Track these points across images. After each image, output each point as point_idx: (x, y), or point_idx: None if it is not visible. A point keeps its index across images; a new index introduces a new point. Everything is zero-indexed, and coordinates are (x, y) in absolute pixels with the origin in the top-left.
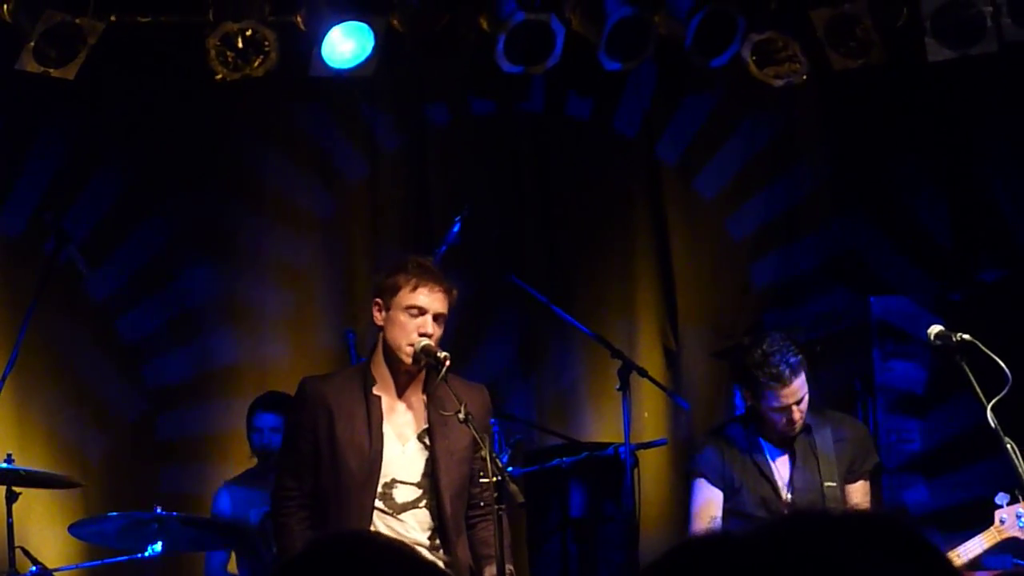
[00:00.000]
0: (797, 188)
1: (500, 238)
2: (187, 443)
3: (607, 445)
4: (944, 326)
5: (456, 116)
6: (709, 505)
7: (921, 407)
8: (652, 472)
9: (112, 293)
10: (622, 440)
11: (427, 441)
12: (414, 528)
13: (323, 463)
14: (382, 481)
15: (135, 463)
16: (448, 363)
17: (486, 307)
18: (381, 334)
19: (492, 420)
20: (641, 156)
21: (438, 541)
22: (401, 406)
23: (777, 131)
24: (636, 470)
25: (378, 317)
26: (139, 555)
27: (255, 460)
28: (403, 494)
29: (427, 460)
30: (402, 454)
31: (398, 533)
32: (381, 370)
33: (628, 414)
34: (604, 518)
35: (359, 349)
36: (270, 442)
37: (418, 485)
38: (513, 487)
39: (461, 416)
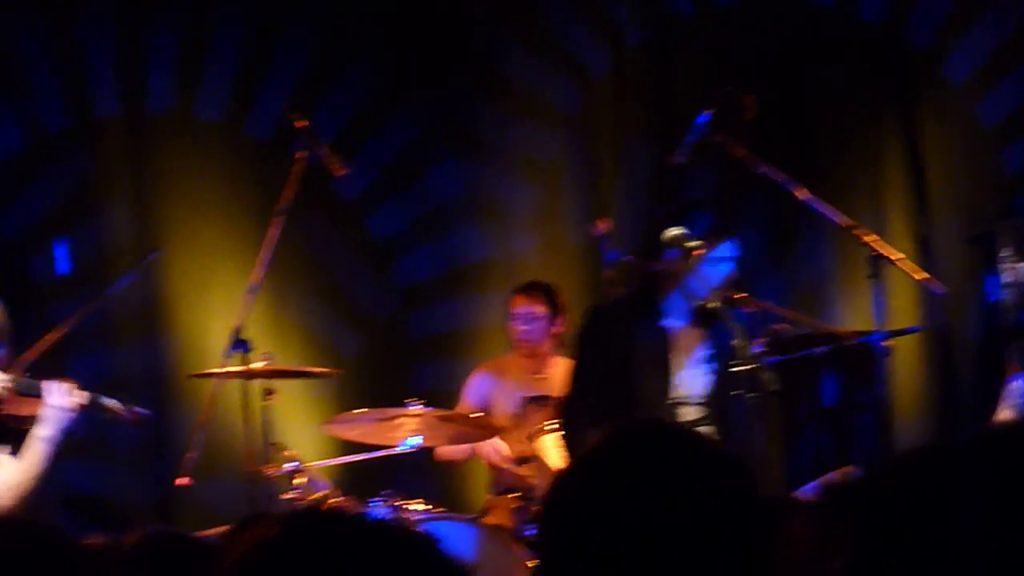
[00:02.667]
0: None
1: (747, 127)
2: (438, 339)
3: (859, 333)
4: None
5: (700, 6)
6: None
7: None
8: (905, 360)
9: (362, 192)
10: (874, 328)
11: (712, 365)
12: None
13: (616, 384)
14: (671, 401)
15: (388, 360)
16: (698, 253)
17: (730, 197)
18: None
19: (741, 311)
20: (888, 42)
21: None
22: (686, 332)
23: None
24: (889, 358)
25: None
26: (393, 450)
27: (515, 348)
28: (688, 413)
29: (709, 381)
30: (688, 376)
31: None
32: (669, 300)
33: (880, 302)
34: (857, 407)
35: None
36: (528, 329)
37: (702, 405)
38: (766, 375)
39: (710, 305)
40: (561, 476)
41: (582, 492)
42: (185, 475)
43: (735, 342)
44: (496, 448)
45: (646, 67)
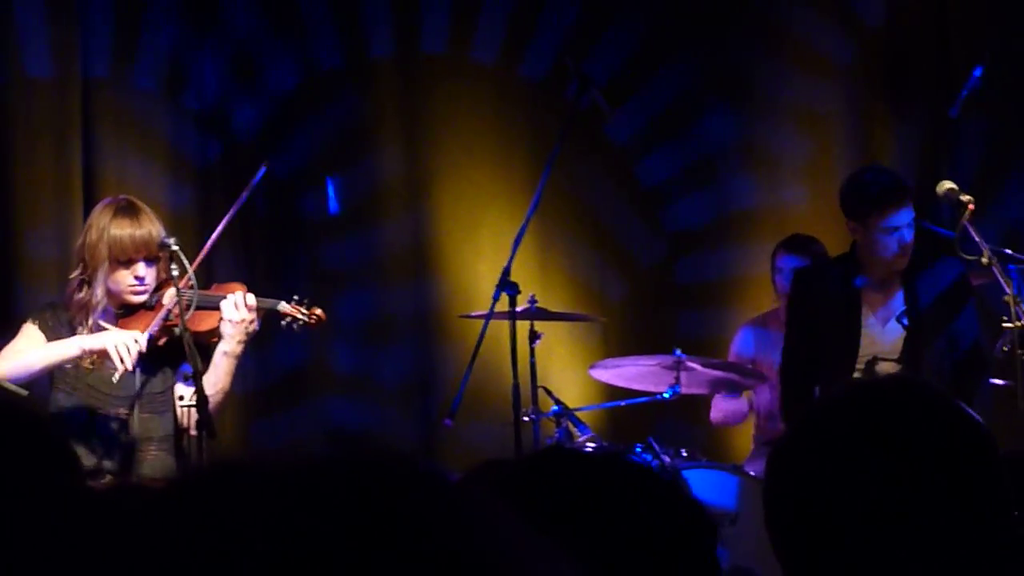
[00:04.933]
0: None
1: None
2: (706, 287)
3: None
4: None
5: None
6: None
7: None
8: None
9: (632, 137)
10: None
11: (905, 321)
12: None
13: (813, 344)
14: (864, 358)
15: (654, 306)
16: (972, 207)
17: (1004, 151)
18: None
19: (1012, 267)
20: None
21: None
22: (882, 291)
23: None
24: None
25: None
26: (658, 396)
27: (779, 302)
28: (884, 369)
29: (905, 339)
30: (882, 334)
31: None
32: (865, 260)
33: None
34: None
35: None
36: None
37: (898, 361)
38: None
39: (983, 261)
40: (788, 433)
41: (810, 448)
42: (450, 415)
43: (1006, 297)
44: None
45: (921, 19)
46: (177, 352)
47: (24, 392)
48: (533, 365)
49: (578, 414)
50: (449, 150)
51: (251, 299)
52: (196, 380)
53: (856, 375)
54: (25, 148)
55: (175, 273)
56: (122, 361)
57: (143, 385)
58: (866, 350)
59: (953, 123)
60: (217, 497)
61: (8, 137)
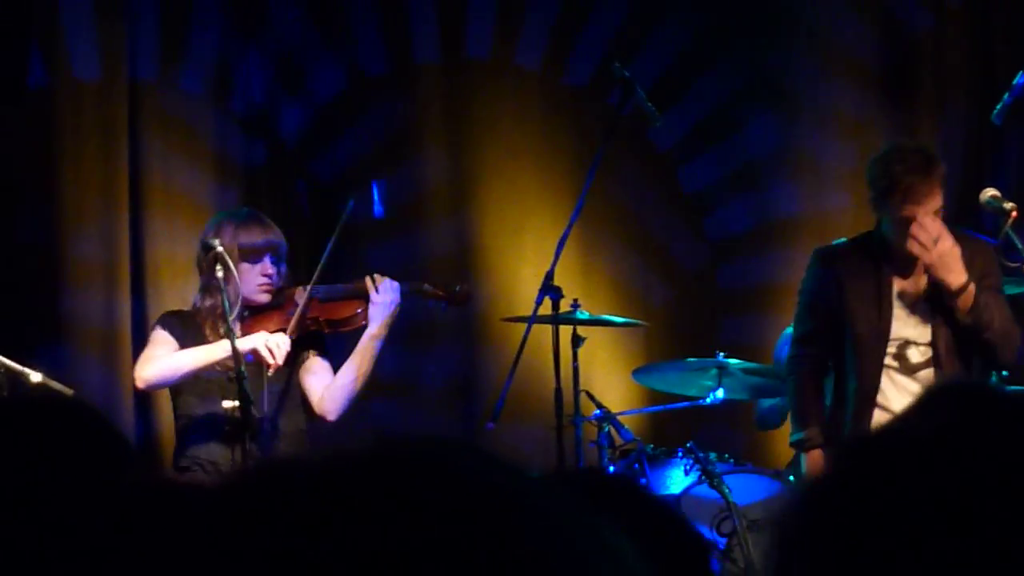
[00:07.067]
0: None
1: None
2: (748, 293)
3: None
4: None
5: None
6: None
7: None
8: None
9: (676, 143)
10: None
11: (932, 303)
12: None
13: (836, 329)
14: (895, 343)
15: (697, 312)
16: (1015, 215)
17: None
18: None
19: None
20: None
21: None
22: (909, 273)
23: None
24: None
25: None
26: (700, 401)
27: None
28: (915, 356)
29: (932, 323)
30: (909, 317)
31: (911, 392)
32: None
33: None
34: None
35: None
36: None
37: (929, 346)
38: None
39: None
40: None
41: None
42: (493, 419)
43: None
44: None
45: (965, 25)
46: (299, 348)
47: (69, 391)
48: (576, 369)
49: (620, 418)
50: (493, 154)
51: (395, 283)
52: (239, 382)
53: (888, 360)
54: (72, 150)
55: (220, 275)
56: (274, 358)
57: (274, 386)
58: (896, 334)
59: (996, 130)
60: (277, 493)
61: (55, 139)
